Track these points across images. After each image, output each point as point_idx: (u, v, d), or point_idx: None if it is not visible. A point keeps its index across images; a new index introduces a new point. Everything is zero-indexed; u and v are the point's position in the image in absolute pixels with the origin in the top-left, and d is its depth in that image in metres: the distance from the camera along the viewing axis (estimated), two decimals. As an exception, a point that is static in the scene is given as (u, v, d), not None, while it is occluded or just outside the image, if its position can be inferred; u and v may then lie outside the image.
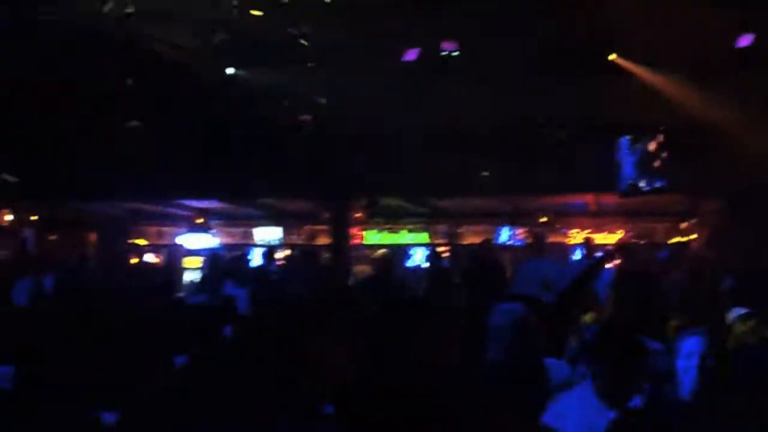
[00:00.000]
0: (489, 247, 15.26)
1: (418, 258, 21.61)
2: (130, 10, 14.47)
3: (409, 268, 20.70)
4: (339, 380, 3.41)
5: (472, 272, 14.04)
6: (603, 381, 4.93)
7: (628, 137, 17.11)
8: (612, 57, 16.89)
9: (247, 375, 3.55)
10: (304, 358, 3.41)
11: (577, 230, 21.15)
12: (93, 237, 23.98)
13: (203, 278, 15.31)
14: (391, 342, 3.49)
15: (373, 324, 3.73)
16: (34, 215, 22.04)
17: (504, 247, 20.53)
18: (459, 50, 16.02)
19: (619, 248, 14.89)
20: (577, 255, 18.71)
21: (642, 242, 20.67)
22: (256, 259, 20.21)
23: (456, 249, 21.34)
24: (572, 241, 20.89)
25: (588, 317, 8.31)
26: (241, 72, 18.11)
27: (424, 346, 3.47)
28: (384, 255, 14.25)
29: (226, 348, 5.89)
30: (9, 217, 21.76)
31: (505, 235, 21.56)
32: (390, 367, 3.44)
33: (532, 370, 5.63)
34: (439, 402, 3.33)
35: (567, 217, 21.10)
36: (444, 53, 16.06)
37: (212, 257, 15.89)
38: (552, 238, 19.98)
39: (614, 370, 4.93)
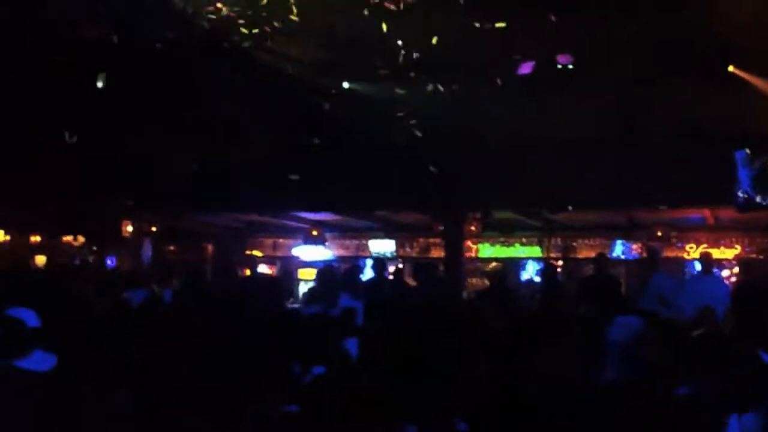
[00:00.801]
0: (604, 261, 15.13)
1: (531, 272, 21.55)
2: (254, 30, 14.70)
3: (522, 282, 20.64)
4: (468, 396, 3.44)
5: (588, 286, 13.96)
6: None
7: (746, 150, 16.81)
8: (731, 68, 16.64)
9: (376, 388, 3.59)
10: (435, 373, 3.45)
11: (692, 245, 20.84)
12: (211, 248, 24.44)
13: (315, 289, 15.46)
14: (514, 358, 3.53)
15: (495, 340, 3.76)
16: (153, 226, 22.52)
17: (618, 261, 20.37)
18: (574, 63, 15.94)
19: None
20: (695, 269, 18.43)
21: (761, 257, 20.34)
22: (369, 271, 20.36)
23: (570, 262, 21.24)
24: (689, 256, 20.60)
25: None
26: (357, 85, 18.25)
27: (546, 362, 3.50)
28: (498, 268, 14.27)
29: (352, 360, 5.95)
30: (129, 228, 22.28)
31: (619, 249, 21.37)
32: (515, 382, 3.48)
33: (652, 387, 5.52)
34: (562, 420, 3.36)
35: (683, 231, 20.80)
36: (559, 66, 16.00)
37: (325, 269, 16.02)
38: (668, 253, 19.76)
39: (711, 375, 4.83)
